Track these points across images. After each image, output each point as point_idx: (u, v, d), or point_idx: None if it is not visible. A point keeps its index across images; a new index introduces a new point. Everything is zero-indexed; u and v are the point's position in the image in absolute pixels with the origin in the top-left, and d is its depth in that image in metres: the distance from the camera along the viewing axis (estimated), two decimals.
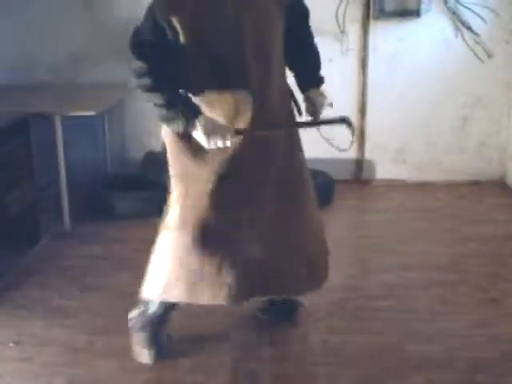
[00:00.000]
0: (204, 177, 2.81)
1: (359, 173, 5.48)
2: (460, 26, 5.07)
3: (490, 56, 5.12)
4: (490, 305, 3.52)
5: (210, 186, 2.80)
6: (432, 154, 5.40)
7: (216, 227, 2.83)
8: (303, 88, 3.05)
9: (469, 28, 5.06)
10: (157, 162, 5.02)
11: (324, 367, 3.01)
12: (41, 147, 4.39)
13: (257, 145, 2.80)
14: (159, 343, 3.09)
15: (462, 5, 5.02)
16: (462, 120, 5.32)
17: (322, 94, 3.04)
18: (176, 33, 2.69)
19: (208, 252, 2.84)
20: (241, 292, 2.89)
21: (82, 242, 4.36)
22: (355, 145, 5.46)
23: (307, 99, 3.03)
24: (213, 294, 2.87)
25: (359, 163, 5.45)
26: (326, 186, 5.08)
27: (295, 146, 3.09)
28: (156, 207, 4.78)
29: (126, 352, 3.08)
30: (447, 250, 4.18)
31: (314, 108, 3.03)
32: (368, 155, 5.44)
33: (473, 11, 5.02)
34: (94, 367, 3.03)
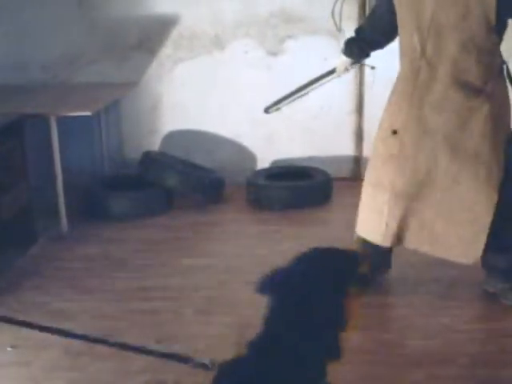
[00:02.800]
0: None
1: (357, 171, 5.46)
2: None
3: None
4: (489, 300, 3.50)
5: None
6: None
7: None
8: None
9: None
10: (154, 161, 5.02)
11: None
12: (37, 148, 4.37)
13: None
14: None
15: None
16: None
17: None
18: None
19: None
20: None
21: (80, 243, 4.35)
22: (353, 143, 5.45)
23: None
24: None
25: (357, 161, 5.43)
26: (324, 183, 5.07)
27: None
28: (153, 207, 4.85)
29: (126, 354, 3.06)
30: None
31: None
32: (366, 153, 5.42)
33: None
34: (93, 370, 3.01)
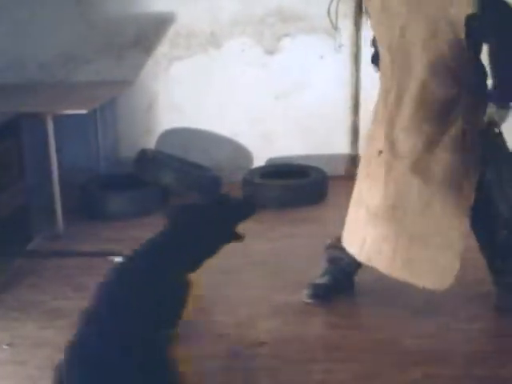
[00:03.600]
0: None
1: (353, 169, 5.45)
2: None
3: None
4: (486, 299, 3.50)
5: None
6: None
7: None
8: None
9: None
10: (150, 160, 5.01)
11: (322, 363, 3.00)
12: (33, 147, 4.36)
13: None
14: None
15: None
16: None
17: None
18: None
19: None
20: None
21: (76, 241, 4.33)
22: (349, 141, 5.45)
23: None
24: None
25: (353, 159, 5.43)
26: (319, 182, 5.07)
27: None
28: (149, 206, 4.84)
29: None
30: None
31: None
32: (362, 151, 5.43)
33: None
34: None
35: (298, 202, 4.89)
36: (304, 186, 5.03)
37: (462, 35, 2.95)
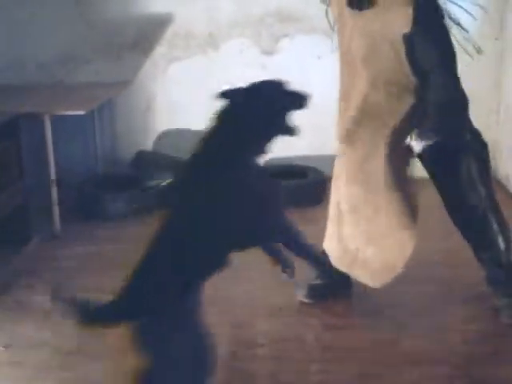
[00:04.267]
0: None
1: None
2: (449, 22, 5.04)
3: (479, 52, 5.10)
4: (483, 300, 3.50)
5: None
6: None
7: None
8: None
9: (458, 24, 5.02)
10: (148, 161, 5.01)
11: (319, 364, 3.00)
12: (30, 147, 4.36)
13: None
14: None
15: (451, 1, 4.98)
16: None
17: None
18: None
19: None
20: None
21: (73, 242, 4.33)
22: None
23: None
24: None
25: None
26: (317, 182, 5.07)
27: None
28: (147, 206, 4.82)
29: (119, 354, 3.05)
30: (439, 245, 4.17)
31: None
32: None
33: (462, 7, 4.99)
34: (86, 370, 3.01)
35: (296, 202, 4.88)
36: (302, 186, 5.03)
37: (402, 54, 3.00)
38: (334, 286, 3.56)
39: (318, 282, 3.54)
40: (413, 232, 3.17)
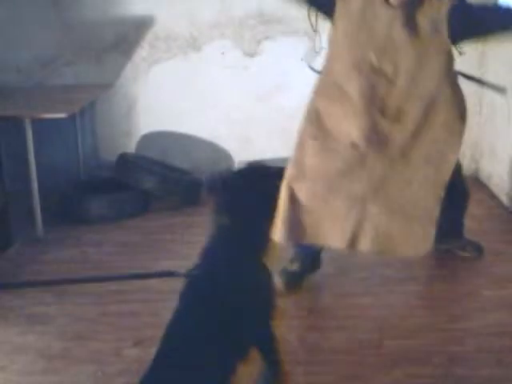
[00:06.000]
0: None
1: None
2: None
3: (461, 53, 5.13)
4: (465, 298, 3.53)
5: None
6: None
7: None
8: None
9: None
10: (131, 163, 4.99)
11: (304, 365, 3.00)
12: (12, 151, 4.34)
13: None
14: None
15: None
16: None
17: None
18: None
19: None
20: None
21: (56, 246, 4.31)
22: None
23: None
24: None
25: None
26: None
27: None
28: (129, 209, 4.82)
29: (103, 357, 3.05)
30: None
31: None
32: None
33: None
34: (70, 374, 2.99)
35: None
36: None
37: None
38: (306, 271, 3.68)
39: (293, 268, 3.64)
40: (438, 200, 3.32)
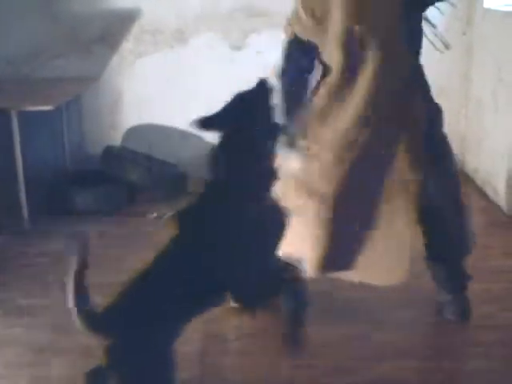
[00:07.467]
0: None
1: None
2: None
3: (447, 47, 5.14)
4: None
5: None
6: None
7: None
8: None
9: (426, 19, 5.07)
10: (116, 156, 4.98)
11: (291, 358, 3.00)
12: None
13: None
14: None
15: None
16: None
17: None
18: None
19: None
20: None
21: (42, 238, 4.29)
22: None
23: None
24: None
25: None
26: None
27: None
28: (115, 202, 4.81)
29: (91, 350, 3.03)
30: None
31: None
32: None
33: None
34: (58, 366, 2.98)
35: None
36: None
37: None
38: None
39: None
40: (412, 231, 3.13)
